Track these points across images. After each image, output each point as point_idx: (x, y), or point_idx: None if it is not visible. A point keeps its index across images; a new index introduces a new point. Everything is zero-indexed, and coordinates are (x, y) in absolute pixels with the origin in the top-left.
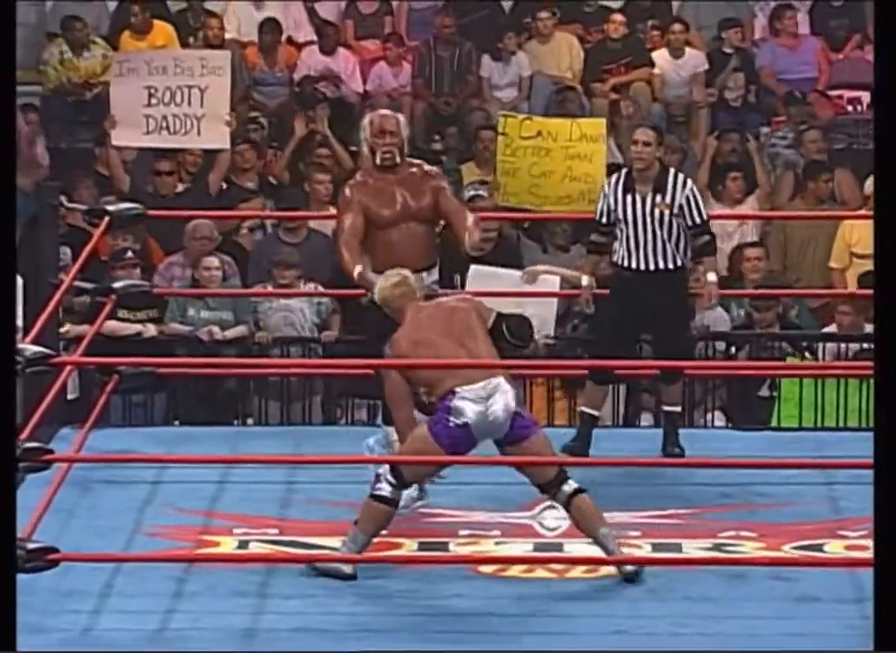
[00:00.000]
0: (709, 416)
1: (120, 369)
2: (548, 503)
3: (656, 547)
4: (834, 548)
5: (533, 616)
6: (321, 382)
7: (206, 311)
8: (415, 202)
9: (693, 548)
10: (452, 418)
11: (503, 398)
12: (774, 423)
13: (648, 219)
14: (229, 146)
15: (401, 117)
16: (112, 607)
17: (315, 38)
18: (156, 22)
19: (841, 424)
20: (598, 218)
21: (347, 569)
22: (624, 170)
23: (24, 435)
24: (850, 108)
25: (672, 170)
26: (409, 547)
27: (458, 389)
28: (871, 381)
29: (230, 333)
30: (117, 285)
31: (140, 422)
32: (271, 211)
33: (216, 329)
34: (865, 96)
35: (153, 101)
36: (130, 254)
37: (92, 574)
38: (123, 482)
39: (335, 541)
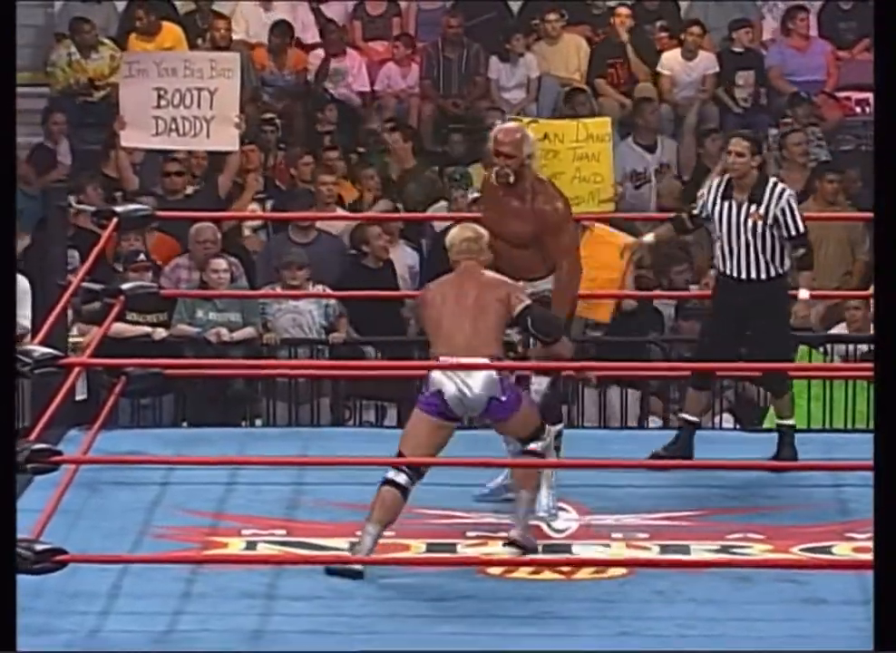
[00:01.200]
0: (717, 419)
1: (128, 371)
2: (557, 505)
3: (664, 549)
4: (842, 550)
5: (540, 618)
6: (329, 383)
7: (214, 313)
8: (511, 226)
9: (701, 550)
10: (425, 386)
11: (483, 378)
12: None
13: (743, 227)
14: (238, 148)
15: (527, 133)
16: (119, 608)
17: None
18: (164, 23)
19: (849, 426)
20: (694, 210)
21: (357, 566)
22: (726, 176)
23: (32, 437)
24: (858, 109)
25: (772, 180)
26: (417, 548)
27: (441, 357)
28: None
29: (238, 334)
30: (125, 286)
31: (148, 423)
32: (272, 212)
33: (224, 331)
34: (873, 98)
35: (163, 102)
36: (142, 256)
37: (99, 575)
38: (131, 483)
39: (342, 543)
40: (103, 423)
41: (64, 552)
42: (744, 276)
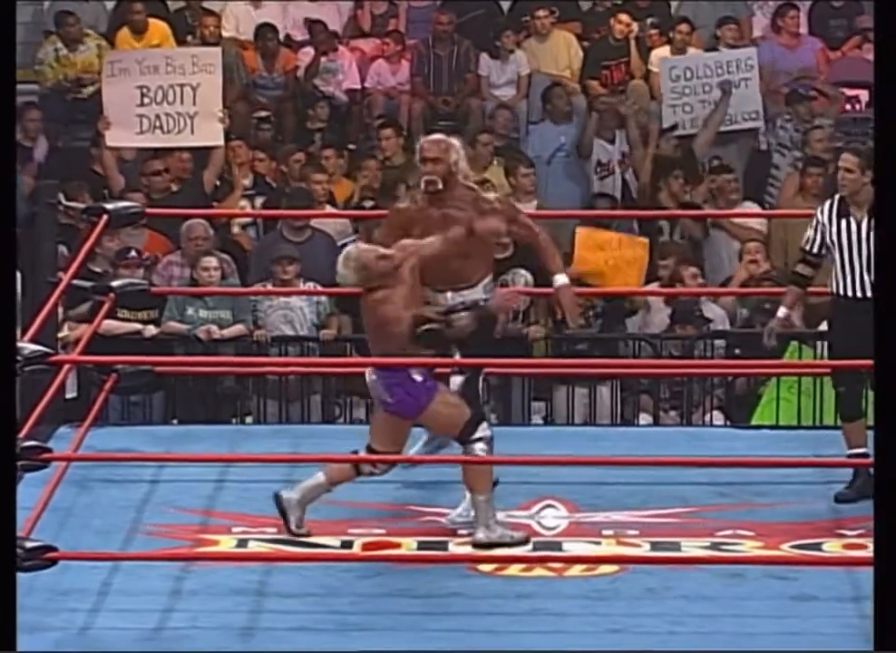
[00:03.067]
0: (707, 417)
1: (118, 368)
2: (547, 503)
3: (654, 546)
4: (832, 547)
5: (531, 615)
6: (319, 381)
7: (205, 310)
8: (445, 233)
9: (691, 547)
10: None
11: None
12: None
13: (864, 245)
14: (223, 143)
15: (453, 141)
16: (109, 605)
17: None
18: (151, 21)
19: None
20: (807, 247)
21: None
22: (838, 196)
23: (22, 434)
24: (848, 106)
25: None
26: (408, 546)
27: None
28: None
29: (228, 332)
30: (115, 283)
31: (138, 420)
32: (262, 209)
33: (214, 328)
34: (863, 95)
35: (146, 100)
36: (133, 253)
37: (89, 573)
38: (122, 480)
39: (333, 540)
40: (93, 421)
41: (55, 550)
42: (864, 295)
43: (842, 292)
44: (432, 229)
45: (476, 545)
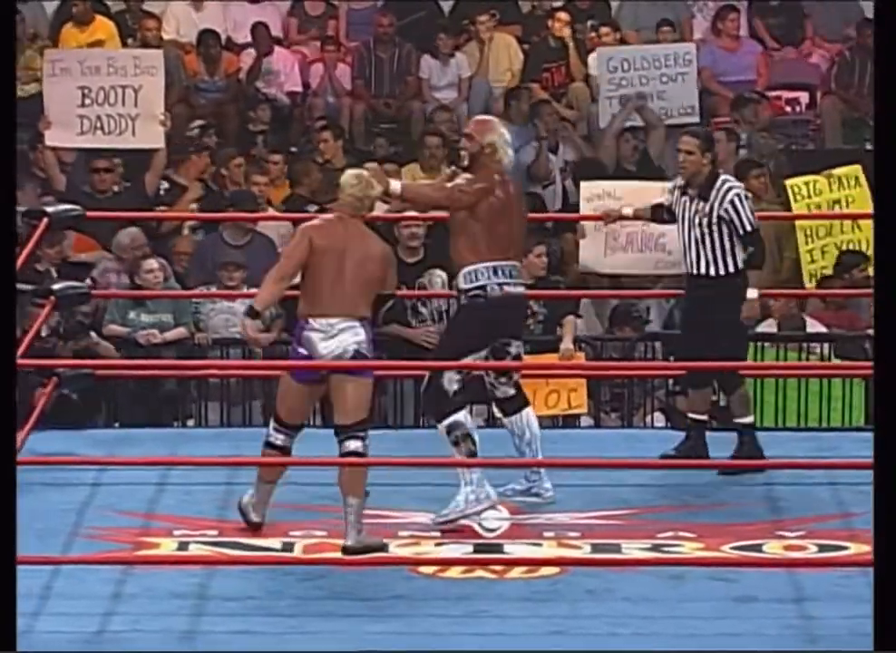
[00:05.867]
0: (648, 418)
1: (59, 371)
2: (488, 505)
3: (595, 547)
4: (773, 548)
5: (472, 616)
6: (261, 384)
7: (146, 314)
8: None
9: (632, 548)
10: (299, 347)
11: (351, 338)
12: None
13: (692, 225)
14: (164, 145)
15: (496, 124)
16: (51, 609)
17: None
18: (97, 16)
19: (779, 424)
20: (664, 203)
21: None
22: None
23: None
24: (788, 108)
25: (721, 178)
26: None
27: (311, 320)
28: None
29: (170, 335)
30: (56, 287)
31: (79, 424)
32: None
33: (155, 332)
34: (803, 96)
35: (87, 101)
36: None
37: (30, 576)
38: (63, 484)
39: (274, 542)
40: (34, 424)
41: None
42: (696, 271)
43: (686, 268)
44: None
45: (347, 550)
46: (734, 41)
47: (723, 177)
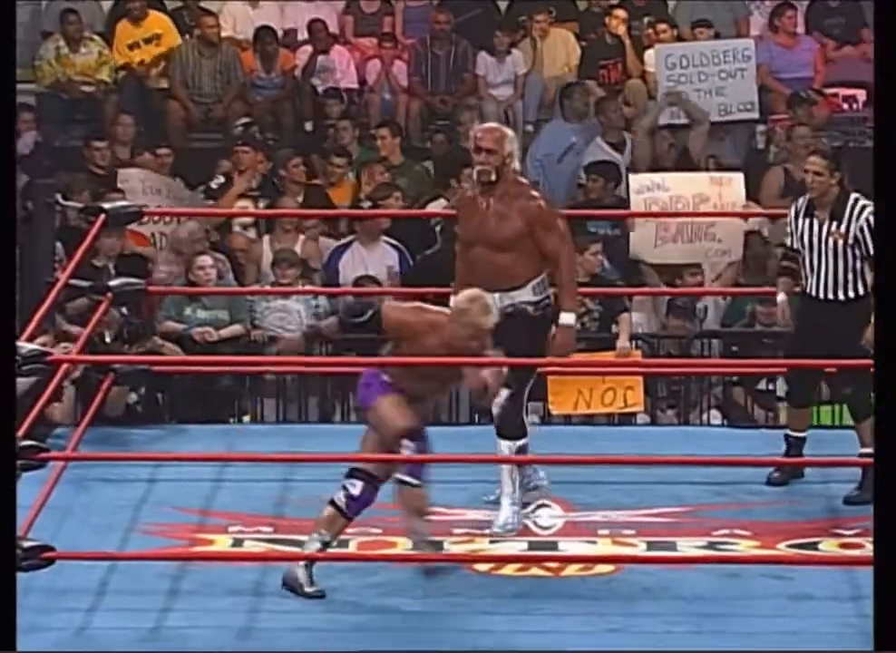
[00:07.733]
0: (705, 416)
1: (116, 367)
2: (542, 502)
3: (651, 545)
4: (829, 546)
5: (527, 614)
6: (317, 380)
7: (202, 311)
8: (496, 229)
9: (687, 546)
10: None
11: None
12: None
13: (825, 246)
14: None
15: (507, 131)
16: (107, 605)
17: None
18: (151, 11)
19: (837, 422)
20: (787, 242)
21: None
22: (806, 196)
23: (20, 433)
24: (845, 106)
25: (853, 197)
26: (404, 545)
27: None
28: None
29: (226, 332)
30: (113, 283)
31: (136, 420)
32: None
33: (210, 330)
34: (861, 94)
35: None
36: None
37: (87, 572)
38: (119, 480)
39: None
40: (91, 420)
41: (52, 549)
42: (825, 296)
43: (807, 290)
44: (478, 220)
45: (283, 583)
46: (791, 38)
47: (854, 196)
